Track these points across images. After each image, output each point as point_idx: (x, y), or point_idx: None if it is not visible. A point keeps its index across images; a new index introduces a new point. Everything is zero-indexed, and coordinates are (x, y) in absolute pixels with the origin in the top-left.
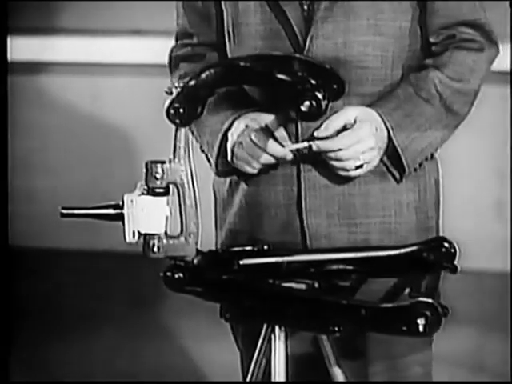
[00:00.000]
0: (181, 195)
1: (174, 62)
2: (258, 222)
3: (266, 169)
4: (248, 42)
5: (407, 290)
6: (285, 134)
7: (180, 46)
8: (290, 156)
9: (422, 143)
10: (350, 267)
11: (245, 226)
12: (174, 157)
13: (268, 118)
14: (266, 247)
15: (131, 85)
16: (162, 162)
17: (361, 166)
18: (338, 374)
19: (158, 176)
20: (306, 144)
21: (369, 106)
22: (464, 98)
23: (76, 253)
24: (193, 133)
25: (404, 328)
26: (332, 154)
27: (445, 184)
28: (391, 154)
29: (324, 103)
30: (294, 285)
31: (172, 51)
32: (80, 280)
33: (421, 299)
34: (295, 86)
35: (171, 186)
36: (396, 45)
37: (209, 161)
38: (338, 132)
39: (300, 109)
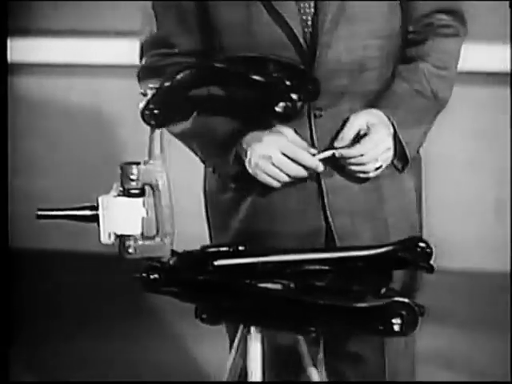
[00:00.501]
0: (156, 196)
1: (153, 72)
2: (273, 227)
3: (293, 182)
4: (246, 51)
5: (383, 290)
6: (306, 145)
7: (159, 55)
8: (321, 167)
9: (420, 134)
10: (326, 267)
11: (256, 231)
12: (150, 158)
13: (287, 130)
14: (241, 248)
15: (132, 87)
16: (137, 164)
17: (380, 167)
18: (314, 374)
19: (133, 177)
20: (331, 152)
21: (372, 106)
22: (448, 83)
23: (75, 253)
24: (183, 139)
25: (380, 328)
26: (354, 160)
27: (445, 184)
28: (397, 149)
29: (299, 104)
30: (269, 285)
31: (146, 60)
32: (80, 280)
33: (396, 299)
34: (270, 87)
35: (147, 188)
36: (390, 44)
37: (213, 170)
38: (354, 139)
39: (275, 110)
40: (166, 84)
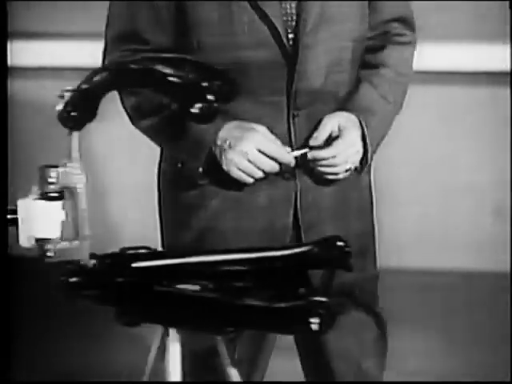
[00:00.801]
0: (75, 199)
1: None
2: (241, 225)
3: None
4: (227, 50)
5: (301, 290)
6: (278, 142)
7: (129, 50)
8: (293, 162)
9: (381, 137)
10: (245, 268)
11: (222, 229)
12: (68, 161)
13: (260, 127)
14: (161, 249)
15: None
16: (55, 167)
17: (349, 169)
18: (235, 374)
19: (52, 180)
20: (305, 150)
21: (343, 109)
22: (404, 90)
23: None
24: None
25: (298, 327)
26: (325, 162)
27: (445, 183)
28: (366, 151)
29: (215, 105)
30: (188, 286)
31: (115, 56)
32: None
33: (314, 298)
34: (186, 88)
35: (65, 190)
36: (359, 48)
37: (181, 165)
38: (326, 140)
39: (190, 111)
40: (83, 86)
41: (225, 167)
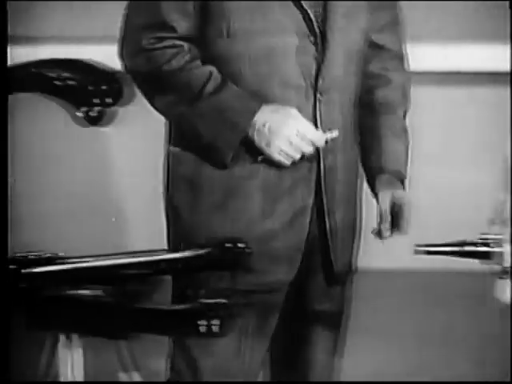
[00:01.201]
0: None
1: (158, 53)
2: (266, 207)
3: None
4: (257, 37)
5: (201, 292)
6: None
7: (156, 38)
8: (323, 146)
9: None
10: (146, 271)
11: (254, 212)
12: None
13: (294, 111)
14: (61, 254)
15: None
16: None
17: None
18: (135, 376)
19: None
20: (336, 133)
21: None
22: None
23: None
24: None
25: (197, 329)
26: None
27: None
28: None
29: (100, 108)
30: (87, 292)
31: (143, 43)
32: None
33: (212, 300)
34: (73, 91)
35: None
36: (364, 41)
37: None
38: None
39: (75, 114)
40: None
41: (266, 150)
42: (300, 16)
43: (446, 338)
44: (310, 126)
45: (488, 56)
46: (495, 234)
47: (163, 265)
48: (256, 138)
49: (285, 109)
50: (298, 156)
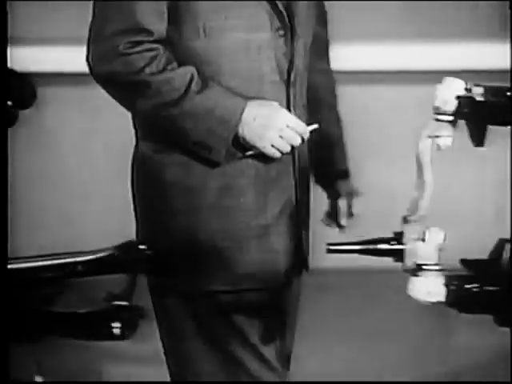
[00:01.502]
0: None
1: (136, 57)
2: (259, 198)
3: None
4: (227, 35)
5: (103, 294)
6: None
7: (134, 42)
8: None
9: None
10: (51, 274)
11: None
12: None
13: (276, 104)
14: None
15: None
16: None
17: None
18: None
19: None
20: (317, 125)
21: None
22: None
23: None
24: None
25: (102, 332)
26: None
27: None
28: None
29: (13, 110)
30: None
31: (120, 47)
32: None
33: (116, 303)
34: None
35: None
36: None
37: (198, 150)
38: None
39: None
40: None
41: (259, 144)
42: (270, 9)
43: (383, 334)
44: (295, 118)
45: (488, 56)
46: (408, 232)
47: (69, 268)
48: (247, 133)
49: (269, 103)
50: (288, 148)
